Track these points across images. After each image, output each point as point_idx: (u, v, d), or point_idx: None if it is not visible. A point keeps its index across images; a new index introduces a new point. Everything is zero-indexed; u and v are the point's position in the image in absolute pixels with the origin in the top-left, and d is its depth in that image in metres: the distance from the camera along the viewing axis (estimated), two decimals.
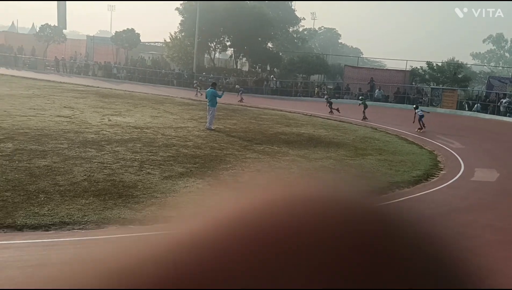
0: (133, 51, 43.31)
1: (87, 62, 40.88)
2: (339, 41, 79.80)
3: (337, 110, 21.89)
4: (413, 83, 33.67)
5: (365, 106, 20.57)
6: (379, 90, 31.94)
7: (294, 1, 59.91)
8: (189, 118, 17.07)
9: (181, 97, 25.66)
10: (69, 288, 0.24)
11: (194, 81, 31.31)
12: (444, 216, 7.14)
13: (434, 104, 30.20)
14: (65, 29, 52.65)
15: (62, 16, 54.31)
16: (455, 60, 38.64)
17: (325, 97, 24.43)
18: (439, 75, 32.76)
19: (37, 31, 46.51)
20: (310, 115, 21.31)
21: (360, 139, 15.10)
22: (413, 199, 8.49)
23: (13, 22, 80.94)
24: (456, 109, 28.60)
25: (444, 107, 29.01)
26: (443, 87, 31.32)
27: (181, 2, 41.17)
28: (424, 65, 33.87)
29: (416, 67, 34.65)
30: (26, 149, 9.63)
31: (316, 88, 34.33)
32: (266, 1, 48.72)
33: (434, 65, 33.37)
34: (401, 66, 37.25)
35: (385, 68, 41.52)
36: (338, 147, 13.19)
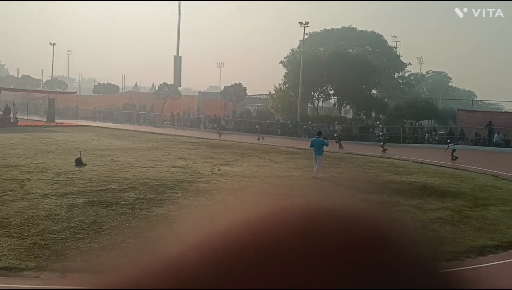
0: (240, 104, 45.56)
1: (198, 116, 43.81)
2: (450, 84, 75.95)
3: (341, 146, 25.00)
4: None
5: (385, 142, 25.37)
6: (498, 134, 29.42)
7: (399, 47, 58.94)
8: (294, 167, 17.20)
9: (285, 146, 26.09)
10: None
11: (215, 125, 34.40)
12: None
13: None
14: (180, 86, 57.53)
15: (177, 75, 59.53)
16: None
17: (336, 135, 28.54)
18: None
19: (156, 89, 51.39)
20: (421, 163, 20.22)
21: (479, 188, 13.87)
22: None
23: (136, 83, 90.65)
24: None
25: None
26: None
27: (285, 55, 42.87)
28: None
29: None
30: (146, 198, 10.42)
31: (426, 134, 32.71)
32: (370, 49, 48.64)
33: None
34: None
35: (503, 111, 38.37)
36: (455, 197, 12.23)
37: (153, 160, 17.17)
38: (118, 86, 64.20)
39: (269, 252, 0.27)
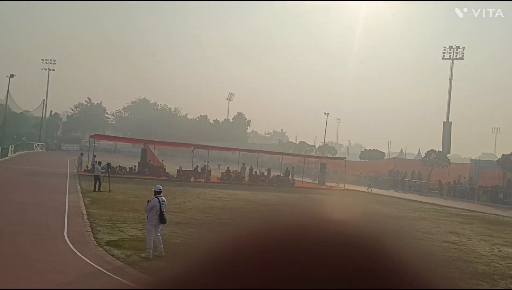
0: None
1: (471, 186, 40.08)
2: None
3: None
4: None
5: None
6: None
7: None
8: None
9: None
10: None
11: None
12: None
13: None
14: (449, 153, 54.23)
15: (447, 141, 56.58)
16: None
17: None
18: None
19: (423, 156, 49.85)
20: None
21: None
22: None
23: (401, 149, 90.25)
24: None
25: None
26: None
27: None
28: None
29: None
30: None
31: None
32: None
33: None
34: None
35: None
36: None
37: (421, 231, 16.45)
38: (383, 152, 65.12)
39: None
